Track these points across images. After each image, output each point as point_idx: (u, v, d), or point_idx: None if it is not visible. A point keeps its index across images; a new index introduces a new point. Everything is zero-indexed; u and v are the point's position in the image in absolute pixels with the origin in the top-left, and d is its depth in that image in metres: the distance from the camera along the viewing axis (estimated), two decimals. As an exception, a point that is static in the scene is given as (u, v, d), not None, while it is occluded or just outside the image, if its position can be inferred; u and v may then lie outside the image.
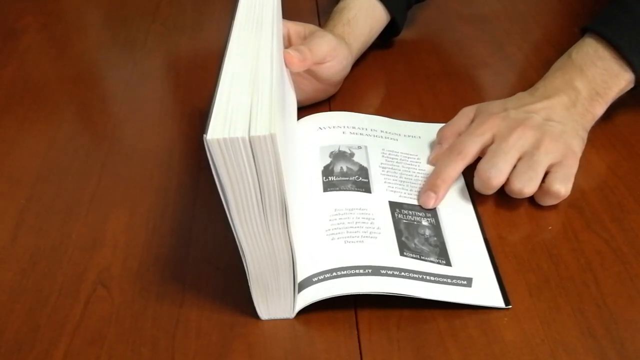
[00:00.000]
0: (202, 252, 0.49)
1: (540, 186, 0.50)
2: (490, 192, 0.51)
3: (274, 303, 0.43)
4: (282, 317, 0.44)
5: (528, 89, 0.57)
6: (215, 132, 0.35)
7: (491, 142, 0.52)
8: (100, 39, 0.81)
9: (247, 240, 0.38)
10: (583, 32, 0.58)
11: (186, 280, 0.47)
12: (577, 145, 0.52)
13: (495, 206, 0.52)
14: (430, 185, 0.52)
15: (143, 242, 0.51)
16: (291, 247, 0.39)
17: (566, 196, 0.50)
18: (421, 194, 0.52)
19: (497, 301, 0.44)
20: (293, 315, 0.44)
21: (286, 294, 0.42)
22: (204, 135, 0.34)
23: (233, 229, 0.38)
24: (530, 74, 0.68)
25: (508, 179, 0.50)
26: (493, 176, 0.50)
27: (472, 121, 0.55)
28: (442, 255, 0.47)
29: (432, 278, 0.45)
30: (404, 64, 0.71)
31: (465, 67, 0.70)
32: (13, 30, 0.82)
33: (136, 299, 0.46)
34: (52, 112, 0.67)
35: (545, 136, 0.51)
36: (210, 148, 0.34)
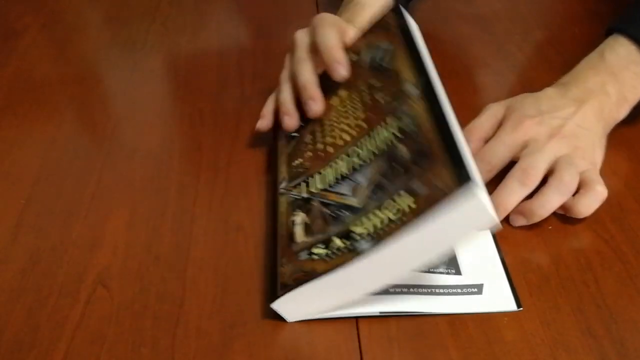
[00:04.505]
0: (202, 252, 0.49)
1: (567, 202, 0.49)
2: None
3: (301, 309, 0.43)
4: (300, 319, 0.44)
5: (556, 85, 0.55)
6: (475, 192, 0.34)
7: (522, 149, 0.50)
8: (100, 39, 0.81)
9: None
10: (611, 30, 0.56)
11: (186, 280, 0.47)
12: (599, 157, 0.52)
13: (495, 206, 0.52)
14: None
15: (143, 242, 0.51)
16: None
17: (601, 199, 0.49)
18: None
19: (509, 305, 0.44)
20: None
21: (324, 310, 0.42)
22: (457, 190, 0.34)
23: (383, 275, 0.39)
24: (530, 74, 0.68)
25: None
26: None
27: (502, 121, 0.53)
28: (452, 263, 0.47)
29: (441, 290, 0.44)
30: (404, 64, 0.71)
31: (465, 67, 0.70)
32: (13, 30, 0.82)
33: (136, 299, 0.46)
34: (52, 112, 0.67)
35: (578, 149, 0.50)
36: (464, 205, 0.34)
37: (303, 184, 0.49)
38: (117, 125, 0.65)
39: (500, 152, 0.51)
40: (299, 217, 0.46)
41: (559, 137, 0.50)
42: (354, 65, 0.54)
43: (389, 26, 0.54)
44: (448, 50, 0.74)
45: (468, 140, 0.52)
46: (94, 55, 0.78)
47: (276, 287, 0.43)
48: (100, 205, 0.55)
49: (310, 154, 0.51)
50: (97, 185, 0.57)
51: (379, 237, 0.38)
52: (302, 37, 0.58)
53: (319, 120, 0.54)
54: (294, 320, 0.43)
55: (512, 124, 0.52)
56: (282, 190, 0.50)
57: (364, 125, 0.48)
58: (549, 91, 0.55)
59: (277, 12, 0.83)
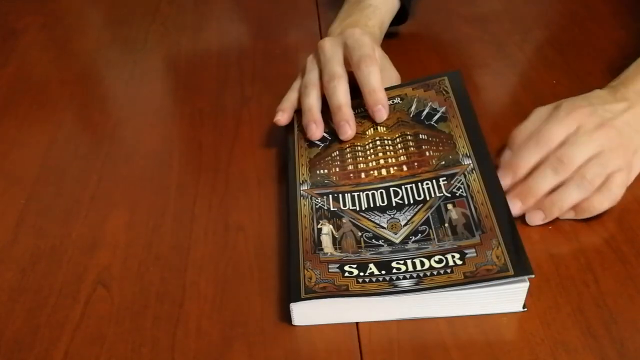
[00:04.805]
0: (202, 252, 0.49)
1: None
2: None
3: (316, 316, 0.43)
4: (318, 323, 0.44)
5: (605, 87, 0.55)
6: (527, 284, 0.42)
7: (574, 133, 0.50)
8: (100, 39, 0.81)
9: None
10: None
11: (186, 280, 0.47)
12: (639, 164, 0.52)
13: (495, 206, 0.52)
14: (519, 194, 0.50)
15: (143, 242, 0.51)
16: None
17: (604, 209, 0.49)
18: (510, 203, 0.50)
19: (516, 306, 0.44)
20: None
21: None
22: (516, 276, 0.41)
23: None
24: (530, 74, 0.68)
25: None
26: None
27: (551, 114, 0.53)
28: None
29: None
30: (404, 64, 0.71)
31: (465, 67, 0.70)
32: (13, 30, 0.82)
33: (136, 299, 0.46)
34: (52, 112, 0.67)
35: (620, 146, 0.50)
36: (516, 289, 0.42)
37: (330, 197, 0.50)
38: (117, 125, 0.65)
39: (554, 130, 0.50)
40: (326, 228, 0.48)
41: (608, 127, 0.50)
42: (397, 109, 0.57)
43: (444, 91, 0.57)
44: (448, 50, 0.74)
45: (513, 144, 0.52)
46: (94, 55, 0.78)
47: (298, 286, 0.43)
48: (100, 205, 0.55)
49: (337, 169, 0.53)
50: (97, 185, 0.57)
51: (419, 278, 0.43)
52: (333, 49, 0.58)
53: (349, 142, 0.55)
54: (301, 324, 0.43)
55: (564, 112, 0.51)
56: (304, 193, 0.51)
57: (405, 168, 0.51)
58: (598, 91, 0.55)
59: (277, 12, 0.83)
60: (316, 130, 0.55)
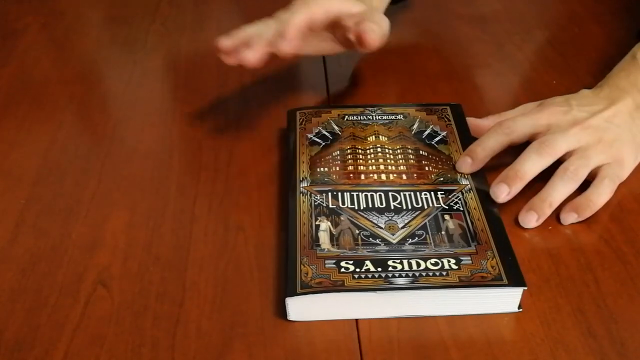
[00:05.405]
0: (202, 252, 0.50)
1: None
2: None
3: (313, 311, 0.44)
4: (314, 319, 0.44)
5: (593, 88, 0.57)
6: (520, 294, 0.43)
7: (544, 131, 0.52)
8: (100, 39, 0.81)
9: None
10: None
11: (186, 280, 0.47)
12: (628, 153, 0.52)
13: (495, 206, 0.52)
14: (469, 150, 0.53)
15: (143, 242, 0.51)
16: None
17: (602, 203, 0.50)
18: (458, 159, 0.53)
19: (511, 306, 0.44)
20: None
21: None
22: (511, 285, 0.43)
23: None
24: (530, 74, 0.68)
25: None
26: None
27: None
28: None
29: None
30: (404, 65, 0.71)
31: (465, 67, 0.70)
32: (13, 30, 0.82)
33: (136, 299, 0.46)
34: (52, 112, 0.67)
35: (601, 141, 0.51)
36: (509, 297, 0.43)
37: (329, 194, 0.51)
38: (117, 125, 0.65)
39: (520, 121, 0.53)
40: (324, 224, 0.48)
41: (582, 126, 0.51)
42: (399, 125, 0.59)
43: (446, 118, 0.59)
44: (448, 50, 0.74)
45: (487, 119, 0.57)
46: (94, 55, 0.78)
47: (294, 281, 0.43)
48: (100, 205, 0.55)
49: (337, 168, 0.54)
50: (97, 185, 0.57)
51: (415, 278, 0.43)
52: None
53: (350, 144, 0.56)
54: (297, 319, 0.44)
55: (539, 108, 0.54)
56: (303, 190, 0.51)
57: (404, 177, 0.53)
58: (583, 92, 0.56)
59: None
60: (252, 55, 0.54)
